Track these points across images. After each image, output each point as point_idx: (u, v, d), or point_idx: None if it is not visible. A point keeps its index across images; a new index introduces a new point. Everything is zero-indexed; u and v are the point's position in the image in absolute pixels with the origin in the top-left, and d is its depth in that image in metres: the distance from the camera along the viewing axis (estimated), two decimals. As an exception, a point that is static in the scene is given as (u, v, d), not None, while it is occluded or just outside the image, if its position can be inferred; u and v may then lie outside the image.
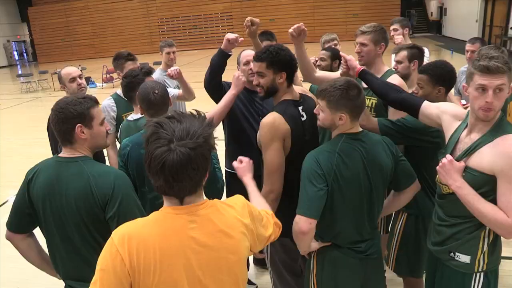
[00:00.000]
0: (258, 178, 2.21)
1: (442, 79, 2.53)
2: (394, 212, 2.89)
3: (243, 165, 2.10)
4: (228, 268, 1.43)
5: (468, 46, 4.23)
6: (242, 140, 3.09)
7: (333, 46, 4.24)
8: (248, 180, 2.05)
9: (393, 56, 4.04)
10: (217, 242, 1.40)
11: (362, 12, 25.29)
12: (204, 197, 1.47)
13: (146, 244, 1.32)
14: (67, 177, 1.88)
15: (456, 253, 2.08)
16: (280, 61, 2.36)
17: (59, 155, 1.98)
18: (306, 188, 2.06)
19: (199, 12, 28.58)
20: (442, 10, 27.84)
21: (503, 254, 2.16)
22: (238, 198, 1.59)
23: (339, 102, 2.08)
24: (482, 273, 2.06)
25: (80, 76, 3.40)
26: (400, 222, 2.80)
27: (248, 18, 2.59)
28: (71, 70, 3.40)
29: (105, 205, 1.85)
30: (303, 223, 2.03)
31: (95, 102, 1.98)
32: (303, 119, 2.43)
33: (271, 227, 1.69)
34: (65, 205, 1.87)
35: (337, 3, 26.34)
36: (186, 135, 1.30)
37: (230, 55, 3.00)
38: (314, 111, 2.30)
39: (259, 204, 1.87)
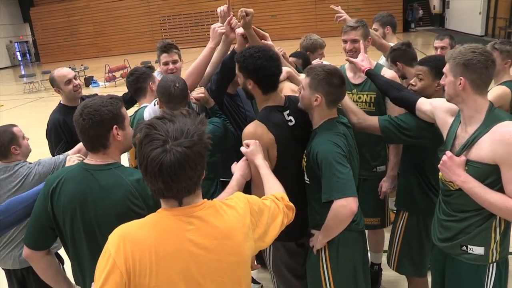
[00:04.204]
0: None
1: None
2: (395, 211, 2.91)
3: (251, 148, 2.06)
4: (230, 270, 1.40)
5: (437, 43, 3.93)
6: (233, 147, 2.88)
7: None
8: (260, 162, 2.01)
9: (383, 58, 3.98)
10: (216, 244, 1.37)
11: (364, 6, 25.12)
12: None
13: (141, 246, 1.30)
14: (102, 186, 1.75)
15: (469, 246, 2.07)
16: (246, 68, 2.21)
17: (86, 162, 1.84)
18: (340, 170, 2.05)
19: (201, 9, 28.48)
20: (445, 3, 27.61)
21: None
22: (238, 197, 1.55)
23: (320, 82, 2.19)
24: (494, 264, 2.06)
25: (75, 77, 3.32)
26: (401, 222, 2.79)
27: (242, 9, 2.51)
28: (65, 71, 3.29)
29: (148, 204, 1.75)
30: (353, 203, 2.03)
31: (121, 101, 1.88)
32: (291, 124, 2.31)
33: (280, 213, 1.66)
34: (101, 216, 1.74)
35: (339, -3, 26.22)
36: (180, 134, 1.28)
37: None
38: (296, 90, 2.37)
39: (272, 188, 1.86)
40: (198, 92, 2.69)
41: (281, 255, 2.48)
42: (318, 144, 2.15)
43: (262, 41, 2.64)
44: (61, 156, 2.67)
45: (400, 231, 2.79)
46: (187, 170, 1.28)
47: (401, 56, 3.06)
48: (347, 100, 2.56)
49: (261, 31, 2.66)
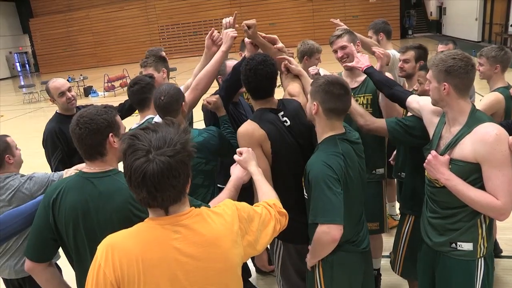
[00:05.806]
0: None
1: None
2: (400, 215, 2.92)
3: (244, 156, 2.05)
4: (218, 277, 1.41)
5: (440, 47, 3.94)
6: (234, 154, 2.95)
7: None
8: (253, 169, 2.01)
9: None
10: (203, 252, 1.38)
11: (361, 14, 25.31)
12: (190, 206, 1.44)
13: (128, 255, 1.32)
14: (102, 193, 1.76)
15: (458, 243, 2.13)
16: (243, 79, 2.38)
17: (84, 170, 1.84)
18: (327, 194, 1.98)
19: (199, 19, 28.67)
20: (441, 10, 27.82)
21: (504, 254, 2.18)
22: (226, 204, 1.56)
23: (318, 89, 2.14)
24: (482, 259, 2.13)
25: (69, 89, 3.32)
26: (407, 225, 2.79)
27: (244, 23, 2.56)
28: (59, 84, 3.29)
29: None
30: (335, 231, 1.97)
31: (116, 110, 1.92)
32: (287, 124, 2.36)
33: (272, 219, 1.66)
34: (103, 222, 1.73)
35: (336, 5, 26.37)
36: (163, 143, 1.29)
37: None
38: (294, 94, 2.47)
39: (265, 194, 1.87)
40: (212, 96, 2.76)
41: (291, 257, 2.50)
42: (312, 164, 2.11)
43: (275, 46, 2.68)
44: (56, 174, 2.63)
45: (406, 235, 2.80)
46: (171, 179, 1.29)
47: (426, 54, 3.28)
48: (354, 104, 2.60)
49: (270, 36, 2.69)
